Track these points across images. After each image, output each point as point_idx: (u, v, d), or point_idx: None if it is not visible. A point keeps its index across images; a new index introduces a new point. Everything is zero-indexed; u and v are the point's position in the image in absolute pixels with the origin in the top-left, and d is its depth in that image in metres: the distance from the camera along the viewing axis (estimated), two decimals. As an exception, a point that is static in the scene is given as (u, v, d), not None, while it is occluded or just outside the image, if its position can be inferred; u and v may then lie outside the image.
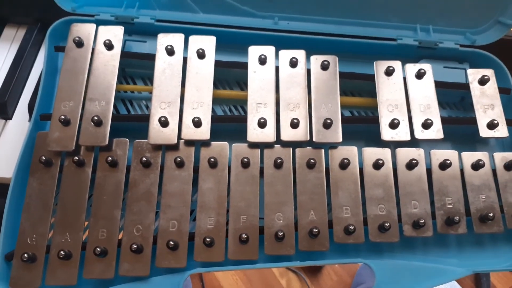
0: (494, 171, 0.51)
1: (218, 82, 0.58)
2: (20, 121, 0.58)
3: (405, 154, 0.50)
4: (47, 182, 0.48)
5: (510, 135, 0.53)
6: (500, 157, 0.52)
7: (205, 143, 0.50)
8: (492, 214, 0.47)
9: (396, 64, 0.54)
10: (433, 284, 0.46)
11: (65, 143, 0.48)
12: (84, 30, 0.53)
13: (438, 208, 0.49)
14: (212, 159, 0.48)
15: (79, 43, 0.52)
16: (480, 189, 0.50)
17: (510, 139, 0.56)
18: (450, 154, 0.51)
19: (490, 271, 0.49)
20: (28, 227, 0.46)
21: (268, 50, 0.53)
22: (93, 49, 0.52)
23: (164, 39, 0.53)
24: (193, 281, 1.25)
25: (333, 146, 0.50)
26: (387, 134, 0.51)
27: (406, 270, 0.46)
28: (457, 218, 0.47)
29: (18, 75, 0.59)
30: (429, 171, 0.50)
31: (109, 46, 0.52)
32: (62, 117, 0.48)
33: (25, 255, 0.43)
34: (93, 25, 0.54)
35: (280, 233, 0.45)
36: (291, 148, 0.50)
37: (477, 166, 0.50)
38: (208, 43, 0.53)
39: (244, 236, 0.45)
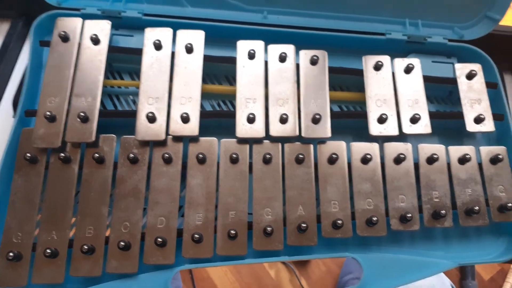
0: (480, 165, 0.52)
1: (207, 77, 0.57)
2: (4, 117, 0.57)
3: (393, 148, 0.51)
4: (33, 179, 0.47)
5: (496, 129, 0.53)
6: (486, 151, 0.52)
7: (194, 139, 0.49)
8: (477, 207, 0.48)
9: (385, 59, 0.54)
10: (420, 277, 0.46)
11: (51, 140, 0.47)
12: (70, 24, 0.52)
13: (425, 202, 0.49)
14: (201, 155, 0.48)
15: (65, 38, 0.51)
16: (466, 183, 0.50)
17: (496, 133, 0.56)
18: (438, 149, 0.51)
19: (475, 263, 0.50)
20: (14, 225, 0.45)
21: (257, 45, 0.53)
22: (79, 44, 0.51)
23: (151, 34, 0.52)
24: (183, 274, 1.26)
25: (322, 141, 0.50)
26: (375, 129, 0.51)
27: (393, 264, 0.47)
28: (443, 211, 0.48)
29: (2, 70, 0.58)
30: (416, 165, 0.51)
31: (95, 40, 0.51)
32: (48, 113, 0.47)
33: (11, 254, 0.43)
34: (79, 19, 0.52)
35: (269, 229, 0.45)
36: (280, 144, 0.50)
37: (463, 160, 0.51)
38: (196, 37, 0.53)
39: (232, 232, 0.45)
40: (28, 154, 0.46)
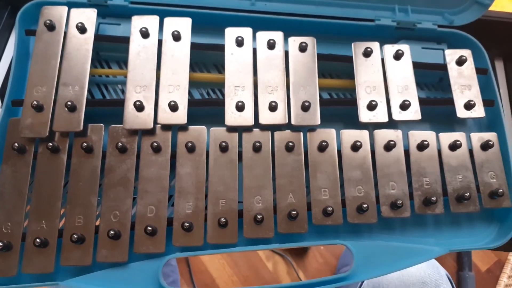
0: (470, 151, 0.51)
1: (195, 65, 0.57)
2: (-9, 108, 0.56)
3: (383, 135, 0.50)
4: (21, 169, 0.47)
5: (486, 115, 0.53)
6: (477, 137, 0.52)
7: (182, 128, 0.49)
8: (468, 193, 0.48)
9: (374, 45, 0.53)
10: (411, 264, 0.46)
11: (39, 129, 0.47)
12: (56, 13, 0.52)
13: (416, 189, 0.49)
14: (190, 144, 0.47)
15: (51, 27, 0.50)
16: (457, 170, 0.50)
17: (487, 119, 0.56)
18: (428, 135, 0.51)
19: (467, 249, 0.50)
20: (3, 215, 0.45)
21: (245, 32, 0.53)
22: (65, 33, 0.51)
23: (138, 22, 0.52)
24: (180, 266, 1.26)
25: (312, 128, 0.50)
26: (365, 116, 0.51)
27: (384, 251, 0.47)
28: (434, 198, 0.47)
29: (-12, 60, 0.58)
30: (406, 152, 0.50)
31: (82, 29, 0.51)
32: (35, 102, 0.46)
33: (0, 244, 0.43)
34: (65, 8, 0.52)
35: (259, 216, 0.45)
36: (269, 132, 0.50)
37: (454, 146, 0.51)
38: (183, 25, 0.52)
39: (223, 220, 0.45)
40: (16, 144, 0.46)
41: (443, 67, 0.55)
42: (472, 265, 1.37)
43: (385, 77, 0.53)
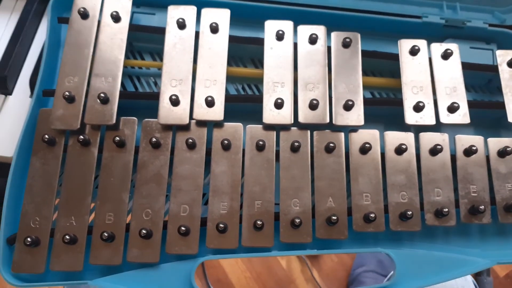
0: (521, 159, 0.49)
1: (231, 59, 0.54)
2: (21, 97, 0.54)
3: (429, 139, 0.48)
4: (51, 162, 0.45)
5: (539, 121, 0.50)
6: (528, 144, 0.49)
7: (218, 124, 0.47)
8: (519, 203, 0.45)
9: (422, 43, 0.50)
10: (456, 275, 0.44)
11: (70, 121, 0.45)
12: (89, 0, 0.50)
13: (462, 197, 0.46)
14: (226, 141, 0.45)
15: (84, 15, 0.48)
16: (506, 177, 0.47)
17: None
18: (476, 140, 0.48)
19: (516, 262, 0.47)
20: (31, 209, 0.44)
21: (286, 25, 0.50)
22: (99, 21, 0.49)
23: (174, 12, 0.50)
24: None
25: (354, 129, 0.48)
26: (411, 117, 0.48)
27: (427, 260, 0.44)
28: (482, 207, 0.45)
29: (19, 48, 0.56)
30: (453, 157, 0.48)
31: (116, 18, 0.49)
32: (66, 93, 0.45)
33: (28, 239, 0.41)
34: (99, -5, 0.50)
35: (297, 220, 0.43)
36: (309, 131, 0.47)
37: (503, 153, 0.48)
38: (222, 16, 0.50)
39: (259, 222, 0.43)
40: (46, 136, 0.44)
41: (494, 69, 0.52)
42: (491, 270, 1.34)
43: (432, 77, 0.50)
